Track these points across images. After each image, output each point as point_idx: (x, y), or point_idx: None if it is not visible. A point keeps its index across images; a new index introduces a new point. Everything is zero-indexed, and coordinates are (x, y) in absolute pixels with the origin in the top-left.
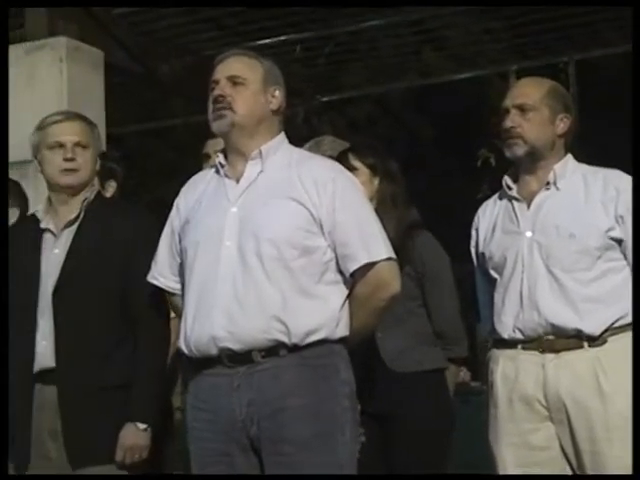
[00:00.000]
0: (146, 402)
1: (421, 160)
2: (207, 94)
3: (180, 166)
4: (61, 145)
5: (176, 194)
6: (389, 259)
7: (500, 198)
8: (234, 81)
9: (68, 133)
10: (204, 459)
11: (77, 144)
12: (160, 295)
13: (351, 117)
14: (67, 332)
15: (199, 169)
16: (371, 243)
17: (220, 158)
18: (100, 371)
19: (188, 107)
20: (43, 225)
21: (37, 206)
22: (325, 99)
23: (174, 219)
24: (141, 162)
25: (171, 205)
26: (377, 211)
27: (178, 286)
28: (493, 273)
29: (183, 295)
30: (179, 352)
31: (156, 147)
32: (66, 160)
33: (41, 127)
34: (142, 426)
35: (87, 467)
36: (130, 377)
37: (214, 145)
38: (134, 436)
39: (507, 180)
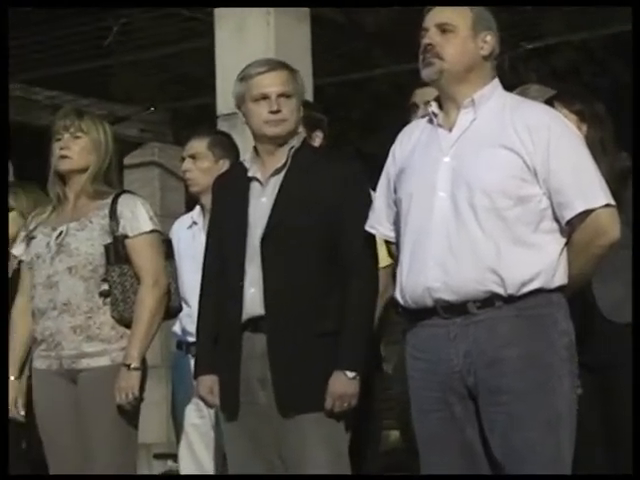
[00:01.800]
0: (355, 350)
1: (626, 108)
2: (409, 44)
3: (380, 118)
4: (265, 97)
5: (377, 145)
6: (608, 205)
7: None
8: (443, 29)
9: (272, 84)
10: (423, 407)
11: (281, 94)
12: (372, 244)
13: (554, 65)
14: (276, 280)
15: (399, 121)
16: (588, 190)
17: (434, 107)
18: (309, 319)
19: (388, 57)
20: (250, 174)
21: (245, 156)
22: (529, 46)
23: (390, 167)
24: (341, 113)
25: (371, 156)
26: None
27: (394, 234)
28: None
29: (398, 245)
30: (394, 302)
31: (356, 99)
32: (271, 112)
33: (244, 78)
34: (351, 374)
35: (296, 415)
36: (339, 325)
37: (422, 95)
38: (343, 384)
39: None
